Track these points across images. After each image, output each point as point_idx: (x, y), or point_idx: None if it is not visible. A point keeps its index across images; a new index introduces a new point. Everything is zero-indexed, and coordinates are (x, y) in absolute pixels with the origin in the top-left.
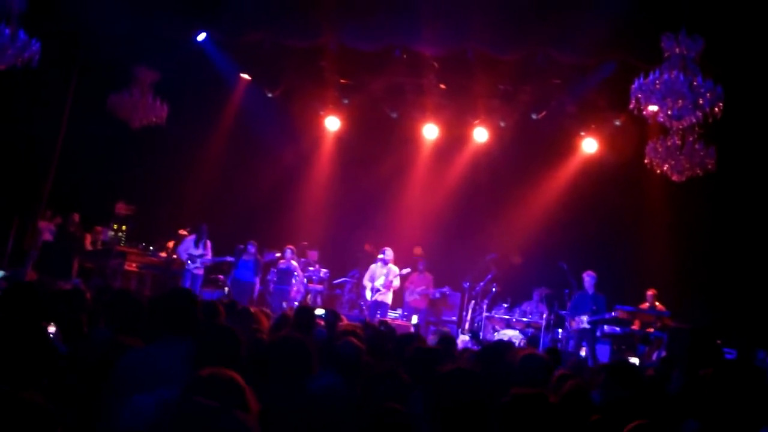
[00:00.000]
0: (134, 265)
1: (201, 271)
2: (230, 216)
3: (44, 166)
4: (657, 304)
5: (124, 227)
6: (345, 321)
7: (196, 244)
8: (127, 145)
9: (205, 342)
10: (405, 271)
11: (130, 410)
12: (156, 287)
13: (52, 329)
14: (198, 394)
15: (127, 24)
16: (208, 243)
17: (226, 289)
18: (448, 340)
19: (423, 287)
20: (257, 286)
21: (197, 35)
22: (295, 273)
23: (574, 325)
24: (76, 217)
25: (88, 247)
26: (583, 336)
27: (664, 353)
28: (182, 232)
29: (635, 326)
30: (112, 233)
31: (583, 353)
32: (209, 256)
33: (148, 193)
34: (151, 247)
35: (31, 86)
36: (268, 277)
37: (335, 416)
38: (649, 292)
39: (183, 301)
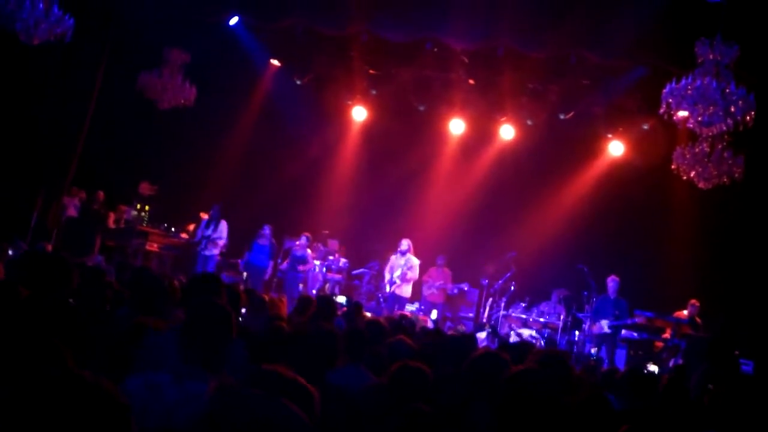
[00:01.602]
0: (155, 245)
1: (212, 252)
2: (254, 201)
3: (71, 143)
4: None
5: (147, 207)
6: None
7: (207, 225)
8: (155, 126)
9: (195, 317)
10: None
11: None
12: (176, 268)
13: None
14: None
15: (161, 5)
16: (223, 223)
17: (245, 274)
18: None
19: (441, 282)
20: (269, 270)
21: (229, 19)
22: (313, 261)
23: (594, 329)
24: (101, 195)
25: (111, 225)
26: (603, 340)
27: (680, 361)
28: (204, 215)
29: (667, 335)
30: (135, 213)
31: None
32: (221, 236)
33: (172, 174)
34: (173, 229)
35: (62, 62)
36: (284, 264)
37: (378, 416)
38: (693, 302)
39: (207, 287)
